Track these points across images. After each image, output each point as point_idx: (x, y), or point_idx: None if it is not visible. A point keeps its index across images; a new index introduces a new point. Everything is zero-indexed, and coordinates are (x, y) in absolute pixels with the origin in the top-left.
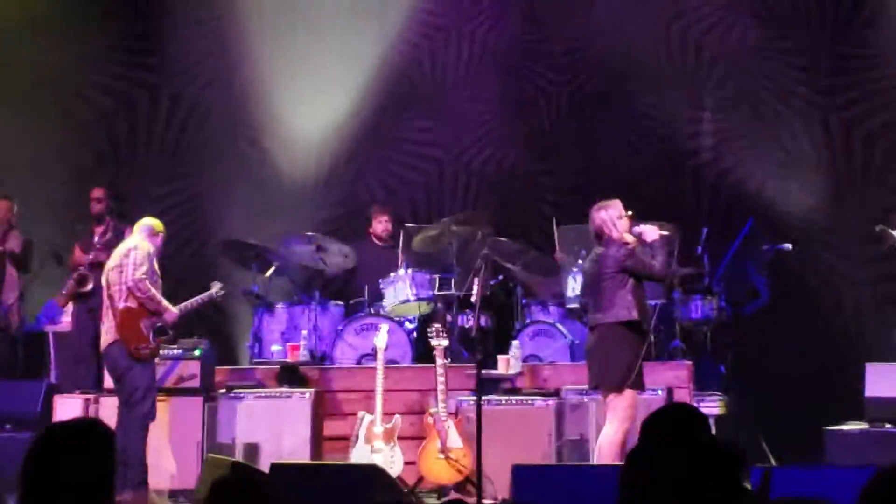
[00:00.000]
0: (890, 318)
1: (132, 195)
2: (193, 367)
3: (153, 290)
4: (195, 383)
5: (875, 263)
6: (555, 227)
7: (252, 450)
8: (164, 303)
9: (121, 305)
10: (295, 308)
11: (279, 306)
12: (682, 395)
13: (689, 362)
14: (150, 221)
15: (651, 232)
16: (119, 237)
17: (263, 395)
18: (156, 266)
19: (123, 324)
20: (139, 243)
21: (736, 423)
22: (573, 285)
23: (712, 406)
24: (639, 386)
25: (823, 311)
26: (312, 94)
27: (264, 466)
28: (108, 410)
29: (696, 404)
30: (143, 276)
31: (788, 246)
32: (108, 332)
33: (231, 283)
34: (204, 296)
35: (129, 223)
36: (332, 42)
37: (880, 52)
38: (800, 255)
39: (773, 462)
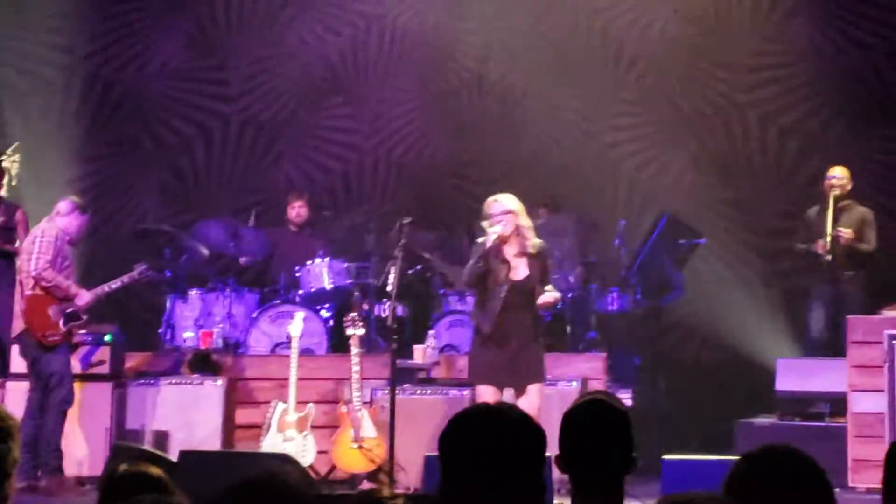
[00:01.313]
0: (800, 312)
1: (43, 177)
2: (103, 353)
3: (59, 278)
4: (105, 369)
5: (788, 258)
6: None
7: (162, 437)
8: (74, 288)
9: (28, 293)
10: (209, 295)
11: (193, 293)
12: (596, 387)
13: (604, 354)
14: (65, 201)
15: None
16: (9, 218)
17: (175, 381)
18: (67, 249)
19: (29, 311)
20: (46, 228)
21: (648, 415)
22: None
23: (626, 397)
24: (479, 381)
25: (737, 306)
26: (232, 79)
27: (174, 454)
28: (17, 396)
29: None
30: (47, 266)
31: (704, 240)
32: (18, 319)
33: None
34: (125, 277)
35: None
36: (254, 28)
37: (797, 48)
38: (714, 250)
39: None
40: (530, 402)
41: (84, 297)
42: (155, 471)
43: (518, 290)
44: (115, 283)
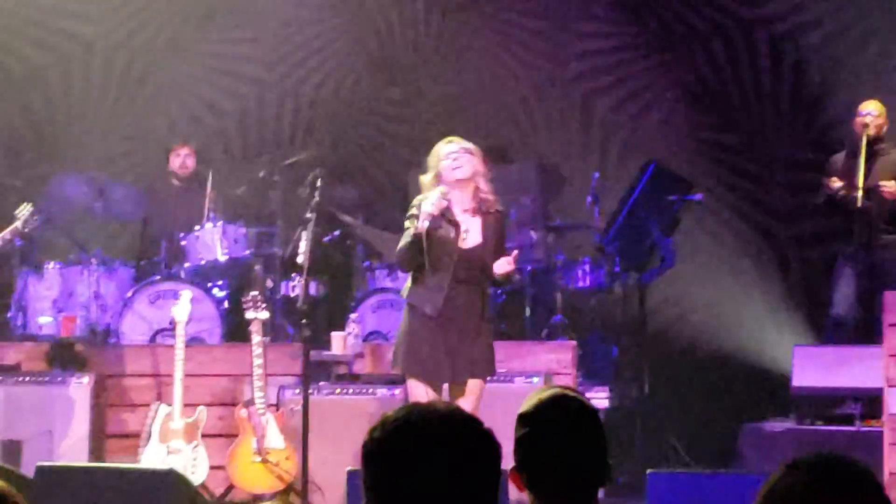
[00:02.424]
0: (822, 287)
1: None
2: None
3: None
4: None
5: (806, 218)
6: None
7: (13, 449)
8: None
9: None
10: (70, 269)
11: (49, 267)
12: (564, 383)
13: (573, 342)
14: None
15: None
16: None
17: (28, 380)
18: None
19: None
20: None
21: (629, 420)
22: None
23: (601, 397)
24: (413, 374)
25: (742, 280)
26: None
27: (29, 469)
28: None
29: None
30: None
31: (700, 196)
32: None
33: None
34: (6, 232)
35: None
36: None
37: None
38: (713, 209)
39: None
40: (470, 401)
41: None
42: (12, 482)
43: (468, 260)
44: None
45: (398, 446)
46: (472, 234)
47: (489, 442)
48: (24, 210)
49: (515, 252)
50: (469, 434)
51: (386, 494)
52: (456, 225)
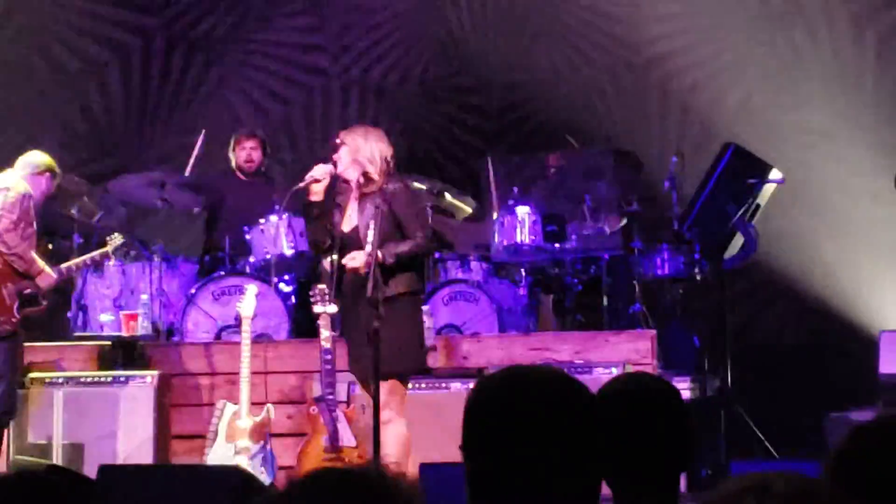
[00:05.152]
0: None
1: None
2: None
3: (24, 245)
4: None
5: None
6: (489, 164)
7: (75, 451)
8: (39, 263)
9: None
10: (131, 266)
11: (110, 264)
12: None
13: (653, 331)
14: (35, 157)
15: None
16: None
17: (90, 380)
18: (32, 215)
19: None
20: (14, 184)
21: (712, 410)
22: (502, 235)
23: (683, 387)
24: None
25: (828, 265)
26: None
27: (92, 472)
28: None
29: None
30: (11, 227)
31: (781, 178)
32: None
33: None
34: (95, 254)
35: None
36: None
37: None
38: (796, 192)
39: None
40: (386, 400)
41: (49, 278)
42: (69, 481)
43: (350, 245)
44: (86, 259)
45: (501, 405)
46: (352, 216)
47: (594, 405)
48: (117, 239)
49: (366, 255)
50: (568, 391)
51: (488, 460)
52: (338, 207)
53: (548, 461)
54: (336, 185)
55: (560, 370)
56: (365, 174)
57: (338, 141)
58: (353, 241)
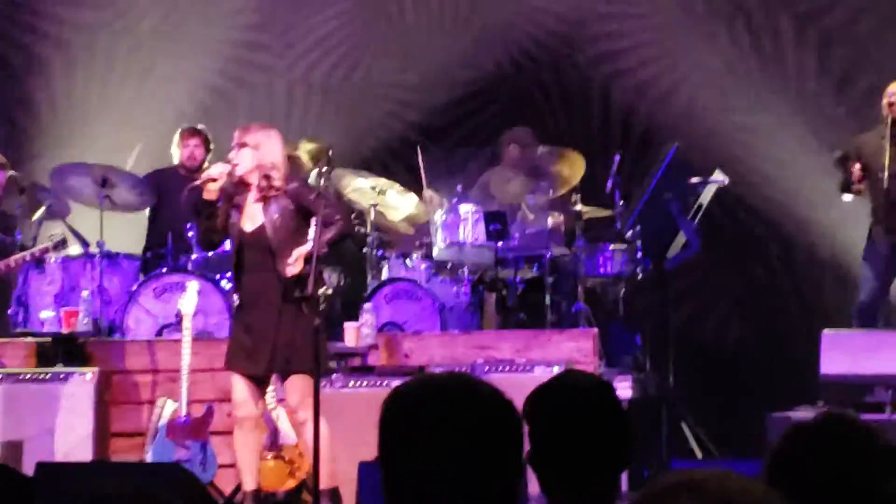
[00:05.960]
0: (853, 272)
1: None
2: None
3: None
4: None
5: (835, 203)
6: (420, 155)
7: (14, 449)
8: None
9: None
10: (72, 263)
11: (51, 260)
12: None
13: (595, 330)
14: None
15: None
16: None
17: (29, 377)
18: None
19: None
20: None
21: (654, 410)
22: (444, 234)
23: (624, 386)
24: (233, 366)
25: (769, 265)
26: None
27: (30, 470)
28: None
29: None
30: None
31: (724, 179)
32: None
33: None
34: (36, 250)
35: None
36: None
37: None
38: (739, 192)
39: (699, 454)
40: (293, 399)
41: None
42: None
43: (253, 245)
44: (26, 254)
45: (412, 415)
46: (255, 217)
47: (507, 410)
48: (58, 236)
49: (299, 251)
50: (485, 401)
51: (402, 469)
52: (237, 208)
53: (460, 468)
54: (230, 184)
55: (472, 376)
56: (267, 177)
57: (237, 142)
58: (257, 242)
